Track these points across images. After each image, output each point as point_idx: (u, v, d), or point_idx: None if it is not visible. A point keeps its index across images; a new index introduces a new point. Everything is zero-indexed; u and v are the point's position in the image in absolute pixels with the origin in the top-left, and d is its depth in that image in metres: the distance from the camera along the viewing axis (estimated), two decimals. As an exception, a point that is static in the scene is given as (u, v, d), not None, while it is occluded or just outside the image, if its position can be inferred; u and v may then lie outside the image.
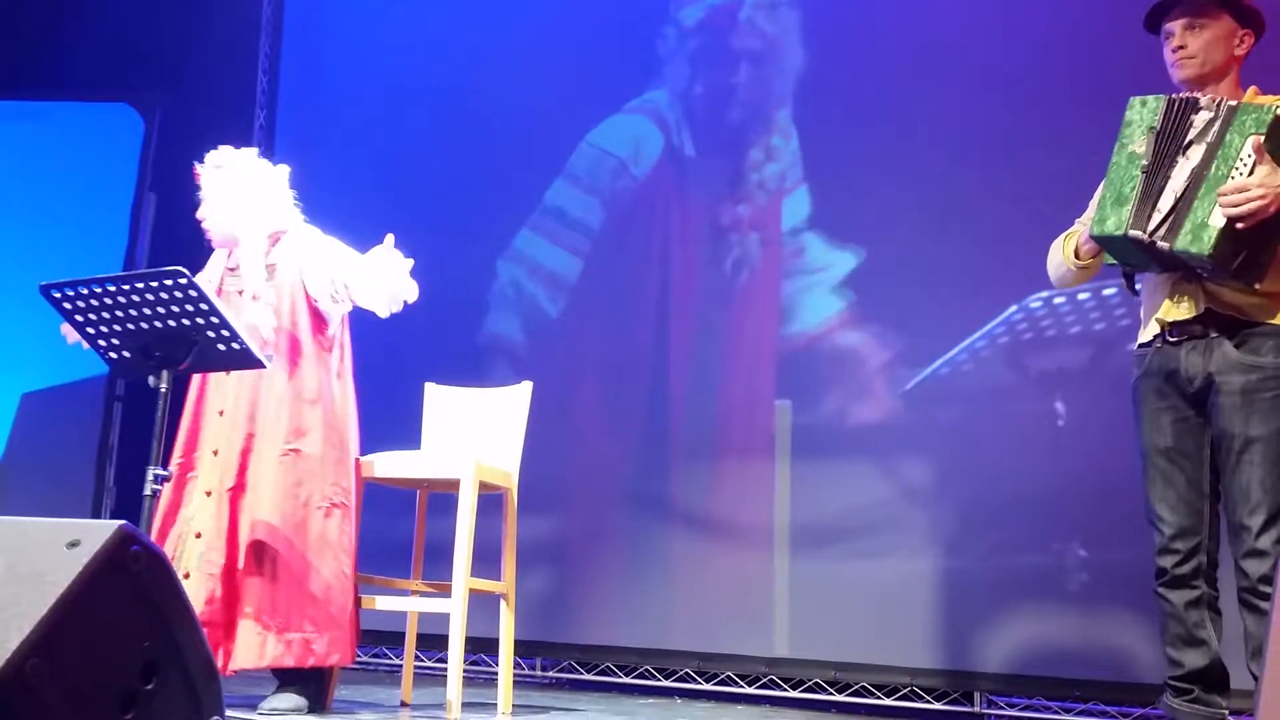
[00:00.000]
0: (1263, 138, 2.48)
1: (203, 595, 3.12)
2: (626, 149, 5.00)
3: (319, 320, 3.40)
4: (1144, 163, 2.60)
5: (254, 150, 3.51)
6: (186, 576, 3.12)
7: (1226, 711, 2.70)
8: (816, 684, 4.26)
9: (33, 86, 6.19)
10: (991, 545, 4.05)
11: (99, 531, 1.53)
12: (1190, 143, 2.59)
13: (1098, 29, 4.01)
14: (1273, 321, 2.62)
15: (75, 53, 6.04)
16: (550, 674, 4.86)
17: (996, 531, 4.04)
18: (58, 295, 2.89)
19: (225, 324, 2.88)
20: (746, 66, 4.81)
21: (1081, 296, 3.97)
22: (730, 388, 4.64)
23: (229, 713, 1.77)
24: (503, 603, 3.63)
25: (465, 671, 3.54)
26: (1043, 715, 3.96)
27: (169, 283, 2.81)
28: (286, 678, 3.31)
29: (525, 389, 3.78)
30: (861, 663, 4.20)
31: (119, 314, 2.88)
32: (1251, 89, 2.73)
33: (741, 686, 4.38)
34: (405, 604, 3.68)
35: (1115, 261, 2.75)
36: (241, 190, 3.40)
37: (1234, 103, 2.57)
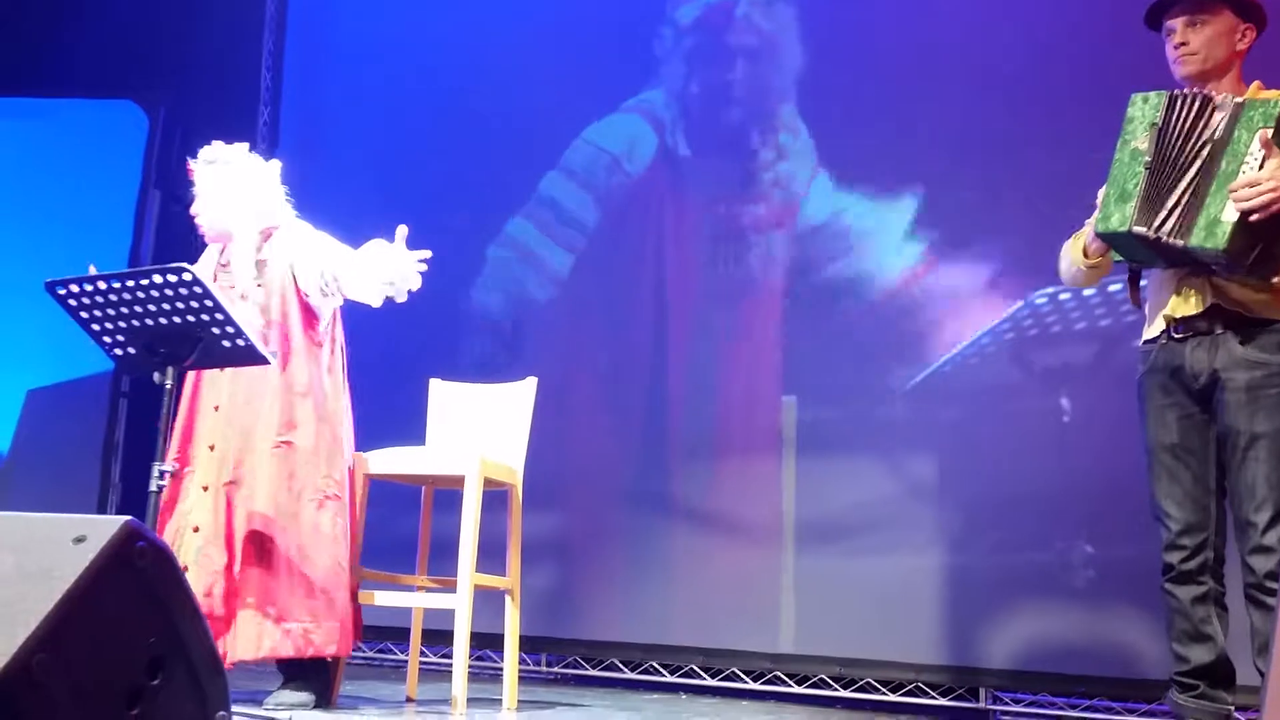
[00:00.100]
0: (1271, 131, 2.48)
1: (201, 589, 3.12)
2: (621, 146, 5.01)
3: (310, 315, 3.40)
4: (1147, 159, 2.60)
5: (246, 146, 3.51)
6: (185, 570, 3.12)
7: (1232, 707, 2.70)
8: (822, 680, 4.26)
9: (37, 84, 6.20)
10: (997, 541, 4.04)
11: (105, 527, 1.54)
12: (1196, 138, 2.59)
13: (1098, 29, 4.00)
14: (1279, 318, 2.62)
15: (79, 50, 6.04)
16: (555, 670, 4.87)
17: (1002, 528, 4.03)
18: (63, 292, 2.90)
19: (230, 320, 2.88)
20: (743, 64, 4.81)
21: (1087, 293, 3.96)
22: (735, 384, 4.64)
23: (234, 707, 1.77)
24: (508, 598, 3.63)
25: (470, 667, 3.55)
26: (1048, 711, 3.96)
27: (173, 279, 2.81)
28: (292, 672, 3.32)
29: (530, 385, 3.79)
30: (867, 659, 4.20)
31: (124, 310, 2.88)
32: (1255, 84, 2.73)
33: (746, 682, 4.38)
34: (410, 599, 3.69)
35: (1123, 259, 2.75)
36: (234, 186, 3.41)
37: (1240, 99, 2.57)
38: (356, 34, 5.88)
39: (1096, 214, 2.72)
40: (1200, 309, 2.65)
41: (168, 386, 2.93)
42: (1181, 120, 2.60)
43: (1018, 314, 4.12)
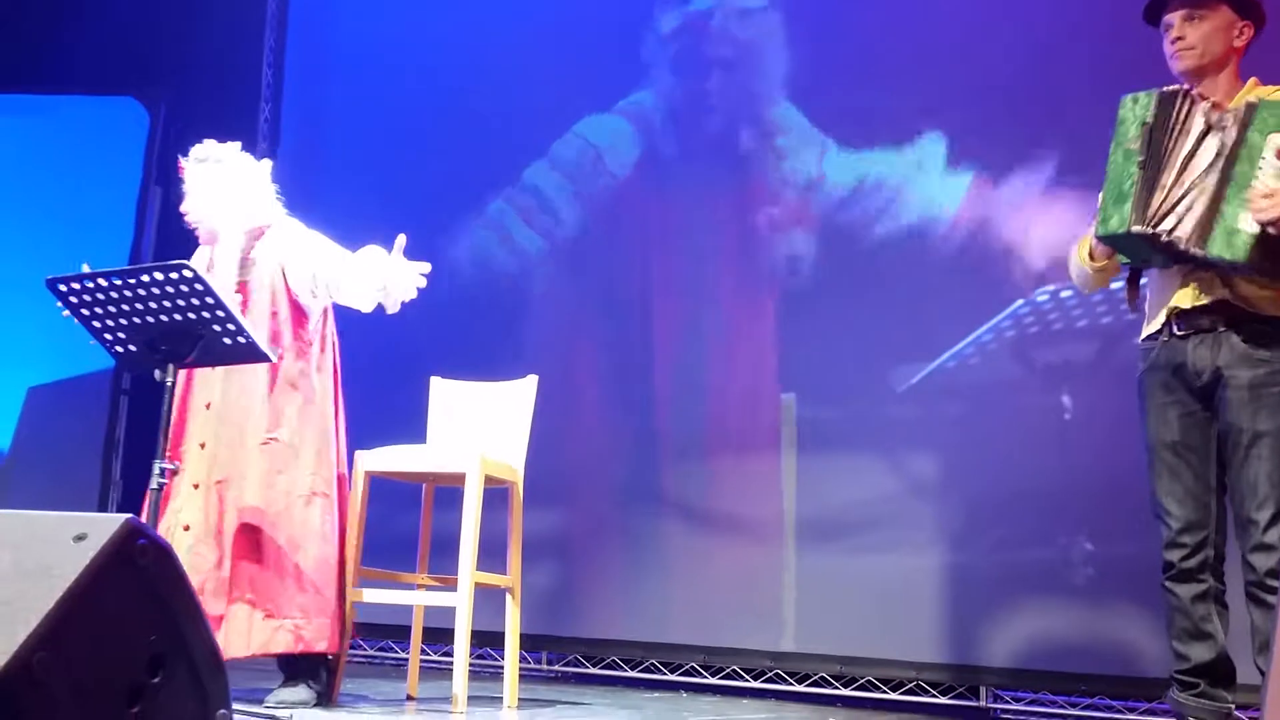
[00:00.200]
0: None
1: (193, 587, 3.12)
2: (621, 147, 5.02)
3: (299, 314, 3.40)
4: (1140, 159, 2.60)
5: (238, 144, 3.51)
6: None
7: (1233, 706, 2.70)
8: (822, 678, 4.26)
9: (38, 80, 6.20)
10: (997, 539, 4.04)
11: (105, 525, 1.53)
12: (1189, 134, 2.58)
13: (1098, 29, 3.99)
14: (1282, 315, 2.62)
15: (80, 46, 6.04)
16: (556, 668, 4.87)
17: (1002, 526, 4.03)
18: (64, 289, 2.90)
19: (231, 318, 2.88)
20: (723, 70, 4.83)
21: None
22: (735, 382, 4.64)
23: (235, 706, 1.77)
24: (508, 597, 3.63)
25: (471, 665, 3.55)
26: (1048, 709, 3.96)
27: (174, 276, 2.81)
28: (292, 670, 3.32)
29: (530, 383, 3.79)
30: (867, 657, 4.20)
31: (125, 308, 2.88)
32: (1251, 80, 2.72)
33: (747, 681, 4.38)
34: (411, 597, 3.69)
35: (1128, 261, 2.75)
36: (224, 184, 3.41)
37: (1253, 99, 2.56)
38: (357, 32, 5.89)
39: (1096, 218, 2.71)
40: (1209, 300, 2.65)
41: (169, 384, 2.93)
42: (1173, 117, 2.59)
43: (1019, 311, 4.12)
